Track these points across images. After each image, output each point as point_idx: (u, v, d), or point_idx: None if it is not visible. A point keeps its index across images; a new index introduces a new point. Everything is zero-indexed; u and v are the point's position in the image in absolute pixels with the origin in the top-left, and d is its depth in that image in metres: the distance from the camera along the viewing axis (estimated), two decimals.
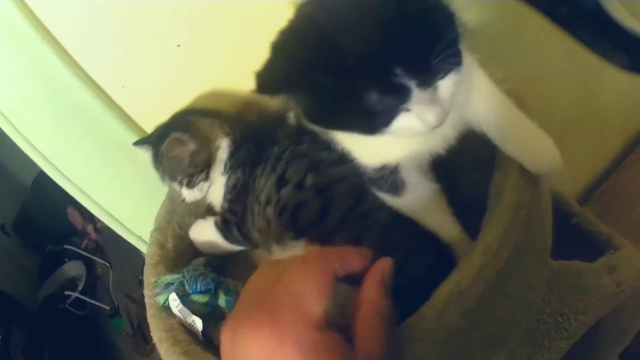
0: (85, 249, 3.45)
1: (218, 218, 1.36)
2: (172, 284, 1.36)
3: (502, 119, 0.94)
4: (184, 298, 1.31)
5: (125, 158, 1.73)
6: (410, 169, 1.00)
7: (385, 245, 1.04)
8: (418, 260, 1.03)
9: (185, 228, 1.52)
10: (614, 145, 1.84)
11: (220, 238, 1.36)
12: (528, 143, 0.95)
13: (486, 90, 0.94)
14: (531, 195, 0.93)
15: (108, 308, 3.05)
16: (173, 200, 1.56)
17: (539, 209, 0.99)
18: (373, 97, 0.76)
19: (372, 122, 0.80)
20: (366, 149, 0.98)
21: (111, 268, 3.35)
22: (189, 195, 1.37)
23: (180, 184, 1.35)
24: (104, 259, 3.43)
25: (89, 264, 3.38)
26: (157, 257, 1.46)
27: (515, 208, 0.90)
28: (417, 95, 0.76)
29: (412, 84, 0.75)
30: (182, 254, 1.43)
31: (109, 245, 3.46)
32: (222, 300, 1.33)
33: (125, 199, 1.82)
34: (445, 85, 0.78)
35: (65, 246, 3.39)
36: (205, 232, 1.41)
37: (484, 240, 0.88)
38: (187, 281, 1.34)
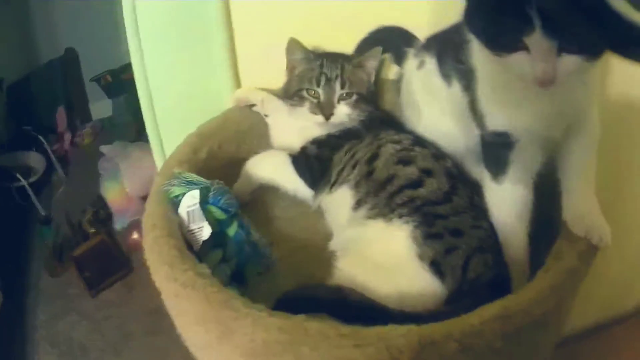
0: (54, 152, 3.32)
1: (297, 152, 1.36)
2: (196, 184, 1.22)
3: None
4: (202, 204, 1.19)
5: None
6: (522, 153, 1.04)
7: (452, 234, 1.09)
8: (484, 269, 1.07)
9: (224, 149, 1.46)
10: None
11: (290, 167, 1.34)
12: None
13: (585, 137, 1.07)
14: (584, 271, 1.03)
15: (43, 215, 2.89)
16: (227, 120, 1.52)
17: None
18: (508, 17, 0.82)
19: (499, 39, 0.87)
20: (498, 107, 1.03)
21: (64, 183, 3.21)
22: (344, 114, 1.36)
23: (349, 99, 1.36)
24: (63, 170, 3.29)
25: (49, 166, 3.25)
26: (186, 157, 1.36)
27: (573, 272, 1.00)
28: (539, 39, 0.80)
29: (537, 22, 0.78)
30: (207, 170, 1.32)
31: (74, 162, 3.46)
32: (232, 230, 1.21)
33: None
34: (568, 61, 0.83)
35: (40, 137, 3.32)
36: (272, 161, 1.39)
37: (541, 283, 0.97)
38: (213, 190, 1.22)
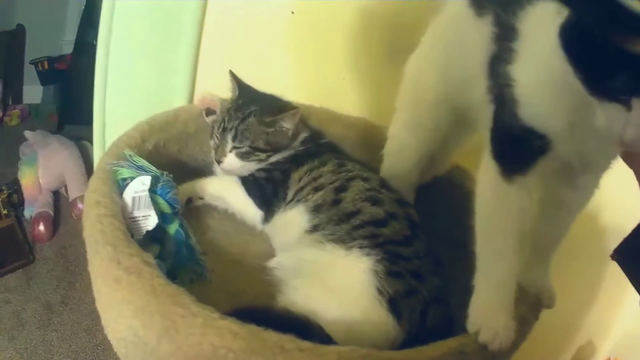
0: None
1: (249, 176, 1.35)
2: (146, 170, 1.16)
3: None
4: (150, 192, 1.11)
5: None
6: (547, 165, 0.91)
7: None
8: (440, 321, 1.04)
9: (167, 147, 1.41)
10: None
11: (239, 187, 1.32)
12: None
13: None
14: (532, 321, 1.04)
15: None
16: (177, 118, 1.46)
17: None
18: (625, 67, 0.67)
19: (606, 86, 0.71)
20: (549, 107, 0.87)
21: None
22: (232, 163, 1.34)
23: (239, 150, 1.33)
24: None
25: None
26: (134, 142, 1.28)
27: (523, 320, 0.98)
28: None
29: None
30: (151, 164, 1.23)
31: None
32: (173, 228, 1.14)
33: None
34: None
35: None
36: (223, 180, 1.37)
37: None
38: (163, 181, 1.15)
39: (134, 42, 1.62)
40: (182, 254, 1.12)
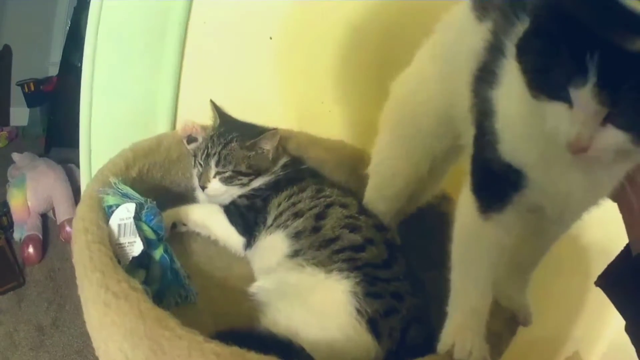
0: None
1: (231, 204, 1.39)
2: (131, 197, 1.20)
3: None
4: (135, 219, 1.15)
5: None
6: (523, 200, 0.89)
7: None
8: (421, 340, 1.06)
9: (151, 174, 1.44)
10: None
11: (222, 215, 1.36)
12: None
13: None
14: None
15: None
16: (160, 144, 1.48)
17: None
18: (562, 58, 0.67)
19: (543, 79, 0.71)
20: (523, 143, 0.85)
21: None
22: (216, 188, 1.38)
23: (222, 175, 1.38)
24: None
25: None
26: (119, 170, 1.32)
27: (497, 336, 1.02)
28: (587, 96, 0.65)
29: (592, 76, 0.64)
30: (135, 191, 1.26)
31: None
32: (158, 253, 1.17)
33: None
34: (611, 134, 0.68)
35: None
36: (205, 207, 1.41)
37: None
38: (147, 208, 1.19)
39: (118, 67, 1.65)
40: (168, 278, 1.15)
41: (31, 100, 3.61)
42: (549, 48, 0.69)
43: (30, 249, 2.55)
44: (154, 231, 1.17)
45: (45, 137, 3.45)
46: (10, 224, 2.72)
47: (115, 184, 1.21)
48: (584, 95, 0.65)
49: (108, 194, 1.18)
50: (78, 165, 3.11)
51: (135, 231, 1.12)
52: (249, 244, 1.33)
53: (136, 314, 0.89)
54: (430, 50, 1.17)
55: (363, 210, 1.29)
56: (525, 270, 1.12)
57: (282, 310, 1.07)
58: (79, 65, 3.22)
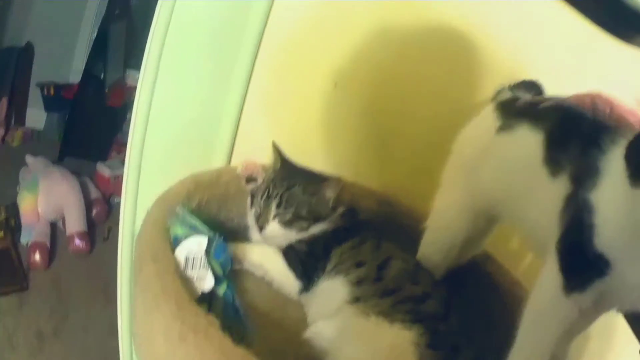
0: None
1: (290, 249, 1.39)
2: (199, 230, 1.20)
3: None
4: (206, 254, 1.15)
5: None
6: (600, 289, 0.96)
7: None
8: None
9: (208, 206, 1.43)
10: None
11: (280, 257, 1.36)
12: None
13: None
14: None
15: None
16: (220, 178, 1.50)
17: None
18: None
19: None
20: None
21: None
22: (274, 230, 1.37)
23: (282, 218, 1.37)
24: None
25: None
26: (181, 199, 1.31)
27: None
28: None
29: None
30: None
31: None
32: (222, 289, 1.17)
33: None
34: None
35: None
36: (263, 249, 1.40)
37: None
38: (215, 243, 1.19)
39: (181, 93, 1.64)
40: (229, 315, 1.14)
41: (50, 104, 3.61)
42: None
43: (37, 255, 2.53)
44: (221, 265, 1.17)
45: (60, 144, 3.42)
46: (18, 227, 2.69)
47: (183, 213, 1.21)
48: None
49: (175, 224, 1.18)
50: (92, 178, 3.14)
51: (207, 266, 1.12)
52: (305, 288, 1.33)
53: (217, 351, 0.89)
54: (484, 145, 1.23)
55: (419, 265, 1.32)
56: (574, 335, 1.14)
57: (348, 356, 1.09)
58: (101, 77, 3.24)
